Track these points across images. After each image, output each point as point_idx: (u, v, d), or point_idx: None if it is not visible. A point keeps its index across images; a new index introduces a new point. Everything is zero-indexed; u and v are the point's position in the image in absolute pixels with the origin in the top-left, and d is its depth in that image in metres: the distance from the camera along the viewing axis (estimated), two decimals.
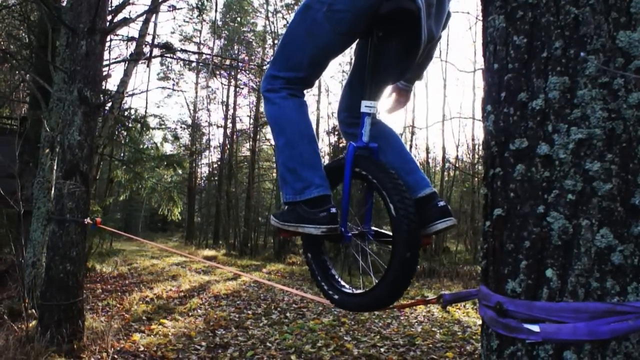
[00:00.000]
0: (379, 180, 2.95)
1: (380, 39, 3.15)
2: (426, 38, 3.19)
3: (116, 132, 20.40)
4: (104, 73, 13.36)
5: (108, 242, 25.32)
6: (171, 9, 19.21)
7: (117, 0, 15.02)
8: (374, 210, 3.47)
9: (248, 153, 45.94)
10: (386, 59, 3.27)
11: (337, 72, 39.97)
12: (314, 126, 3.32)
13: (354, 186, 3.23)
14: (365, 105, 3.17)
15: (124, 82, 16.53)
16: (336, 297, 3.20)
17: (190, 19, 44.41)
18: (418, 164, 3.35)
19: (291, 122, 3.13)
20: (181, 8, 22.32)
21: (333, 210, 3.02)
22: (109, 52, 25.05)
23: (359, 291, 3.15)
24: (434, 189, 3.19)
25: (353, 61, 3.48)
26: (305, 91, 3.33)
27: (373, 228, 3.32)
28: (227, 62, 37.80)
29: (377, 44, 3.16)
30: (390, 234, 2.99)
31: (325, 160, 28.33)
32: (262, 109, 43.07)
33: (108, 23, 10.48)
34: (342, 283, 3.29)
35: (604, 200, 1.58)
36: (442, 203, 3.13)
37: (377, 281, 2.97)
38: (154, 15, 16.89)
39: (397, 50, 3.28)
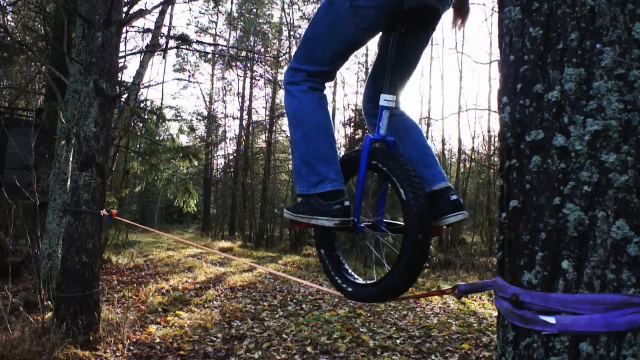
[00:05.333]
0: (389, 168, 3.00)
1: (402, 34, 3.23)
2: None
3: (132, 124, 20.43)
4: (120, 65, 13.40)
5: (124, 233, 25.29)
6: (187, 0, 19.22)
7: None
8: (388, 203, 3.51)
9: (264, 145, 45.94)
10: (407, 53, 3.37)
11: (353, 63, 39.57)
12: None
13: (368, 178, 3.25)
14: (384, 99, 3.22)
15: (139, 74, 16.57)
16: (350, 289, 3.23)
17: (206, 10, 44.44)
18: (437, 159, 3.39)
19: (310, 116, 3.19)
20: None
21: (347, 203, 3.07)
22: (125, 44, 25.15)
23: (371, 281, 3.18)
24: (449, 183, 3.24)
25: (377, 53, 3.54)
26: (326, 84, 3.37)
27: (385, 220, 3.35)
28: (243, 53, 37.84)
29: (399, 39, 3.24)
30: (402, 223, 3.01)
31: (342, 151, 28.30)
32: (277, 101, 43.13)
33: (124, 14, 10.52)
34: (355, 275, 3.32)
35: (619, 191, 1.57)
36: (454, 197, 3.17)
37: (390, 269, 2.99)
38: (170, 7, 16.91)
39: (417, 44, 3.40)
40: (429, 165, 3.26)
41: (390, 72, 3.25)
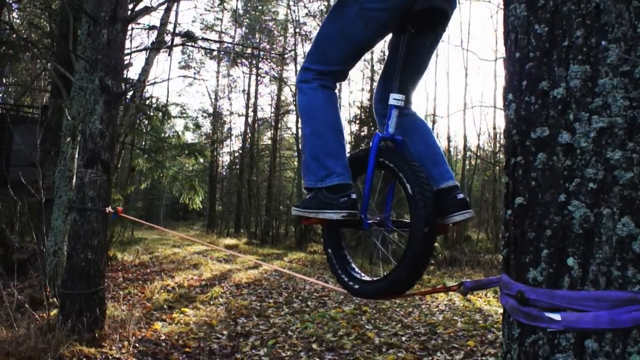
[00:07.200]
0: (396, 164, 3.06)
1: (411, 35, 3.27)
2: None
3: (137, 121, 20.48)
4: (126, 62, 13.41)
5: (129, 230, 25.32)
6: None
7: None
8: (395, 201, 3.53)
9: (269, 142, 46.01)
10: (417, 54, 3.41)
11: (359, 61, 39.59)
12: None
13: (375, 176, 3.28)
14: (393, 98, 3.28)
15: (145, 71, 16.60)
16: (356, 286, 3.26)
17: (211, 7, 44.40)
18: (445, 158, 3.44)
19: (319, 112, 3.26)
20: None
21: (353, 196, 3.11)
22: (130, 41, 25.05)
23: (377, 277, 3.20)
24: (456, 182, 3.29)
25: (387, 55, 3.60)
26: (337, 83, 3.46)
27: (392, 218, 3.38)
28: (249, 50, 37.82)
29: (409, 40, 3.29)
30: (408, 220, 3.04)
31: (347, 148, 28.38)
32: (283, 98, 43.13)
33: (129, 12, 10.52)
34: (361, 273, 3.34)
35: (625, 188, 1.57)
36: (461, 196, 3.22)
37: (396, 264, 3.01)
38: (175, 4, 16.91)
39: (427, 45, 3.44)
40: (438, 164, 3.31)
41: (399, 72, 3.30)
